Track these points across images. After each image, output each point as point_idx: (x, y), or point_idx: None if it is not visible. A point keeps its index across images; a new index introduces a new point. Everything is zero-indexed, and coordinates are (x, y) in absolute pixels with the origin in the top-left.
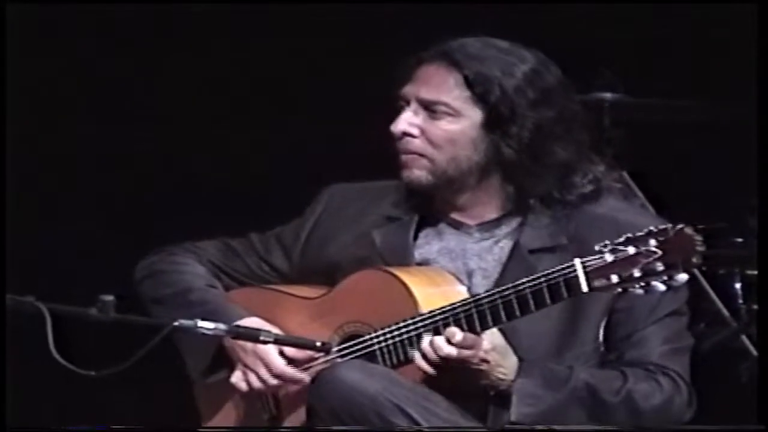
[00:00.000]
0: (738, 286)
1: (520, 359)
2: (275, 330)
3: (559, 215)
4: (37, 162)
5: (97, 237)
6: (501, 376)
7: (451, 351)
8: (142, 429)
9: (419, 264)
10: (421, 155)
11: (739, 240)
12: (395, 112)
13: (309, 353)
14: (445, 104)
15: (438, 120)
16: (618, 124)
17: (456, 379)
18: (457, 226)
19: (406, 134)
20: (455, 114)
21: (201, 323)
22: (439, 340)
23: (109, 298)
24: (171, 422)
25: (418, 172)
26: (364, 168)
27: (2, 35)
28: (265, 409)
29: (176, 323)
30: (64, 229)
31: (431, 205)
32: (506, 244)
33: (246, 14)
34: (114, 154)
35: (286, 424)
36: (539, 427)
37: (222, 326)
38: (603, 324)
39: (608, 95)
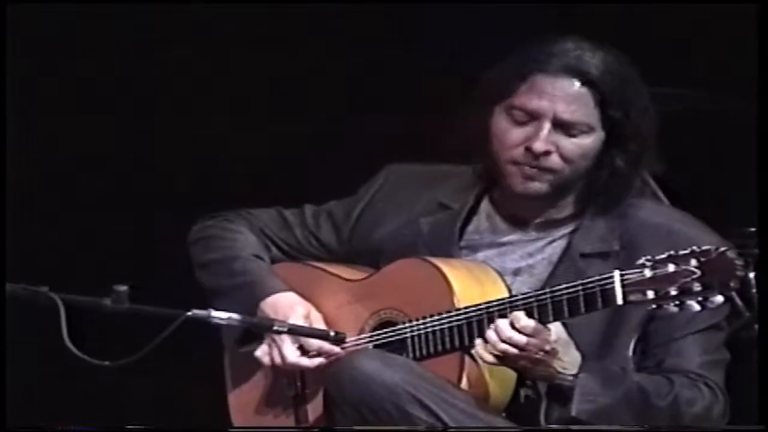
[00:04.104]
0: (751, 275)
1: (582, 355)
2: (311, 307)
3: (614, 219)
4: (50, 154)
5: (109, 229)
6: (561, 369)
7: (514, 335)
8: (144, 429)
9: (466, 252)
10: (555, 171)
11: (753, 229)
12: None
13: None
14: (585, 124)
15: (573, 137)
16: None
17: (514, 370)
18: (514, 222)
19: (547, 152)
20: (589, 131)
21: (214, 313)
22: (503, 325)
23: (123, 288)
24: (184, 413)
25: (540, 185)
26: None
27: (2, 35)
28: (290, 386)
29: (189, 313)
30: (77, 221)
31: (492, 199)
32: (559, 244)
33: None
34: (127, 146)
35: (310, 403)
36: (555, 426)
37: (235, 316)
38: (636, 336)
39: None
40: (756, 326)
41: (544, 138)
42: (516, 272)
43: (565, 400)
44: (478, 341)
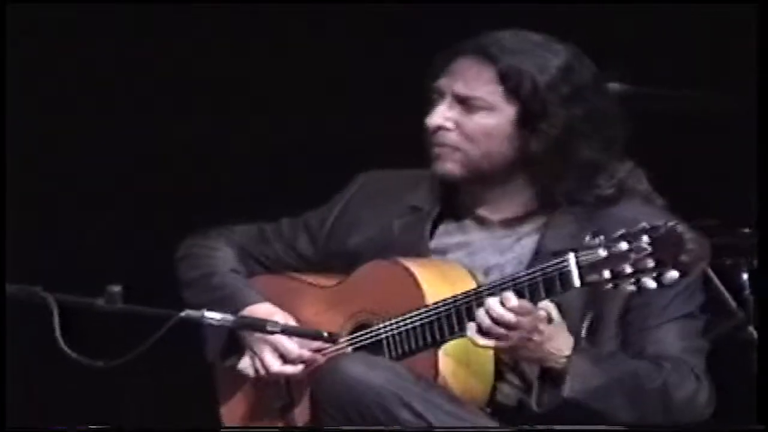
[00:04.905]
0: (745, 276)
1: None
2: (289, 316)
3: (583, 216)
4: (43, 155)
5: (103, 229)
6: (553, 351)
7: (505, 314)
8: (139, 429)
9: (436, 255)
10: (456, 148)
11: (746, 230)
12: (428, 104)
13: (316, 343)
14: (480, 98)
15: (473, 114)
16: (627, 115)
17: (504, 352)
18: (480, 221)
19: (441, 128)
20: (490, 108)
21: (207, 314)
22: (494, 303)
23: (117, 288)
24: (177, 414)
25: (451, 165)
26: (394, 158)
27: (2, 35)
28: (278, 396)
29: (183, 314)
30: (71, 221)
31: (457, 198)
32: (527, 243)
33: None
34: (122, 146)
35: (298, 411)
36: (542, 427)
37: (229, 317)
38: (589, 318)
39: (617, 86)
40: (750, 327)
41: (437, 113)
42: (486, 271)
43: (558, 383)
44: (470, 324)
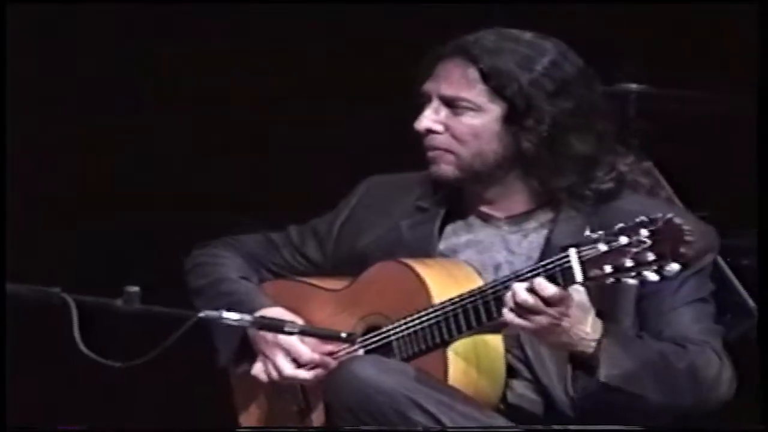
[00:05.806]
0: None
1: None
2: (300, 321)
3: (588, 211)
4: (61, 155)
5: (120, 229)
6: (582, 335)
7: (528, 297)
8: (147, 429)
9: (445, 255)
10: (447, 150)
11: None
12: (418, 108)
13: (329, 346)
14: (466, 99)
15: (460, 115)
16: (643, 114)
17: (536, 336)
18: (486, 218)
19: (430, 131)
20: (477, 109)
21: (226, 314)
22: (519, 288)
23: (135, 289)
24: (194, 415)
25: (446, 167)
26: (399, 162)
27: (2, 35)
28: (294, 400)
29: (201, 314)
30: (88, 222)
31: (461, 198)
32: (535, 239)
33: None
34: (139, 147)
35: (314, 415)
36: (557, 427)
37: (247, 317)
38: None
39: (633, 86)
40: None
41: (426, 116)
42: (496, 268)
43: (590, 368)
44: (505, 309)
